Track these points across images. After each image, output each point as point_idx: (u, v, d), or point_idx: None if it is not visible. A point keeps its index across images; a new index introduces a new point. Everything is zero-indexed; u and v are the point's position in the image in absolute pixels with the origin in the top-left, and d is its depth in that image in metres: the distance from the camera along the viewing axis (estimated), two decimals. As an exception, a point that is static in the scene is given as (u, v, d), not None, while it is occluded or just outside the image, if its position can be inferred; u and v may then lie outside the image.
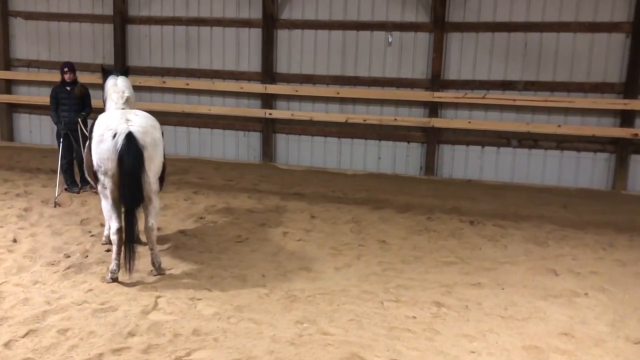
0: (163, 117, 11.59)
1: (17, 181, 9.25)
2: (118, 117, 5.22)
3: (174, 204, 8.26)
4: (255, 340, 4.23)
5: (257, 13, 11.15)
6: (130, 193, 5.04)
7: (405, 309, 4.92)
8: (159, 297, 4.95)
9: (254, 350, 4.10)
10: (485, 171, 10.58)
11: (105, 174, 5.11)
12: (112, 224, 5.19)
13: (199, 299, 4.95)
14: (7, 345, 4.00)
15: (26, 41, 12.40)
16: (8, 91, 12.54)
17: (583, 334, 4.58)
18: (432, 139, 10.70)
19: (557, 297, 5.32)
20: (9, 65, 12.49)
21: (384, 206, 8.55)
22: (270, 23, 11.04)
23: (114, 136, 5.04)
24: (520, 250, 6.71)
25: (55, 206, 7.81)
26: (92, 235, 6.65)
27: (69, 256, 5.94)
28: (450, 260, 6.28)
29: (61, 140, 8.34)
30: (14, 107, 12.62)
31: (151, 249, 5.44)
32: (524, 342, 4.40)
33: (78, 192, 8.52)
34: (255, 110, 11.33)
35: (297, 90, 11.03)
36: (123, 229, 5.14)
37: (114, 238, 5.17)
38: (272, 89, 11.15)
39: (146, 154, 5.13)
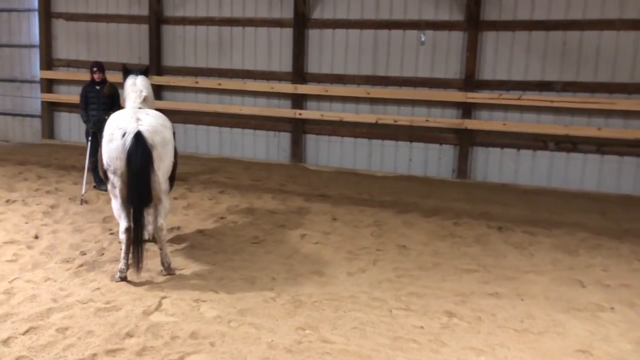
0: (196, 117, 11.83)
1: (50, 178, 9.48)
2: (128, 116, 5.22)
3: (198, 203, 8.27)
4: (251, 346, 4.13)
5: (288, 13, 11.09)
6: (138, 192, 5.03)
7: (414, 318, 4.73)
8: (164, 297, 4.92)
9: (248, 356, 4.00)
10: (520, 175, 10.19)
11: (114, 173, 5.12)
12: (121, 223, 5.20)
13: (204, 301, 4.89)
14: (5, 342, 4.03)
15: (67, 42, 12.73)
16: (49, 90, 12.91)
17: (603, 351, 4.28)
18: (465, 141, 10.38)
19: (580, 310, 5.01)
20: (50, 65, 12.85)
21: (410, 210, 8.32)
22: (301, 23, 10.96)
23: (123, 135, 5.04)
24: (548, 259, 6.38)
25: (81, 203, 7.94)
26: (112, 233, 6.71)
27: (84, 254, 6.01)
28: (471, 268, 6.03)
29: (89, 138, 8.47)
30: (54, 106, 12.98)
31: (161, 249, 5.42)
32: (535, 358, 4.14)
33: (106, 190, 8.62)
34: (285, 110, 11.27)
35: (327, 91, 10.91)
36: (132, 228, 5.12)
37: (122, 237, 5.18)
38: (303, 89, 11.07)
39: (155, 154, 5.11)
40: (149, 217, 5.89)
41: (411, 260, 6.22)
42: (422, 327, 4.56)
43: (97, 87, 8.52)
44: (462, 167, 10.44)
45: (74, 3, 12.55)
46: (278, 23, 11.19)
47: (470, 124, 10.20)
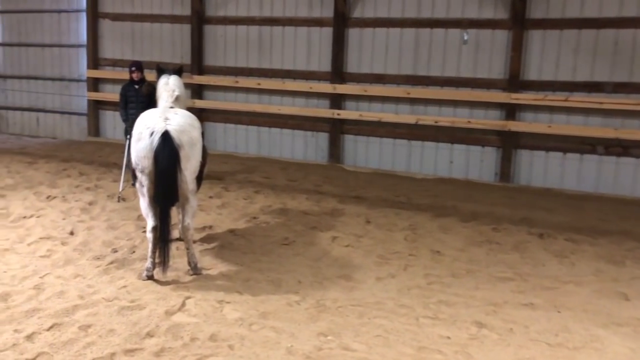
0: (236, 117, 11.87)
1: (92, 175, 9.69)
2: (157, 116, 5.23)
3: (232, 202, 8.27)
4: (270, 351, 4.05)
5: (328, 12, 10.99)
6: (164, 191, 5.03)
7: (441, 328, 4.54)
8: (188, 297, 4.89)
9: (265, 361, 3.92)
10: (566, 180, 9.77)
11: (142, 171, 5.14)
12: (148, 222, 5.21)
13: (228, 302, 4.84)
14: (29, 337, 4.08)
15: (112, 41, 13.01)
16: (95, 89, 13.22)
17: (644, 371, 4.00)
18: (509, 144, 10.03)
19: (621, 325, 4.71)
20: (97, 64, 13.15)
21: (448, 214, 8.09)
22: (341, 22, 10.84)
23: (151, 134, 5.05)
24: (590, 269, 6.05)
25: (118, 201, 8.06)
26: (144, 231, 6.72)
27: (116, 251, 6.07)
28: (506, 276, 5.78)
29: (128, 137, 8.58)
30: (100, 104, 13.28)
31: (187, 249, 5.41)
32: (568, 376, 3.90)
33: (143, 188, 8.74)
34: (323, 110, 11.18)
35: (366, 91, 10.75)
36: (159, 227, 5.12)
37: (149, 236, 5.19)
38: (341, 88, 10.95)
39: (182, 153, 5.10)
40: (180, 216, 5.89)
41: (444, 267, 6.01)
42: (448, 338, 4.37)
43: (136, 87, 8.62)
44: (505, 170, 10.10)
45: (120, 3, 12.81)
46: (318, 22, 11.11)
47: (514, 125, 9.86)
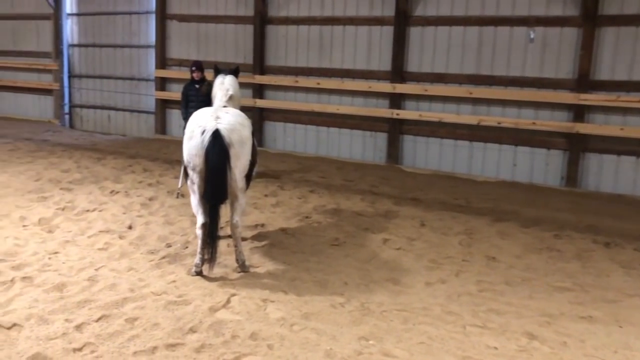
0: (295, 116, 11.93)
1: (155, 171, 9.99)
2: (209, 115, 5.31)
3: (286, 201, 8.31)
4: (309, 353, 4.01)
5: (390, 11, 10.85)
6: (214, 189, 5.10)
7: (489, 337, 4.35)
8: (233, 295, 4.93)
9: (303, 363, 3.88)
10: (639, 186, 9.20)
11: (193, 169, 5.23)
12: (198, 219, 5.30)
13: (272, 301, 4.84)
14: (79, 327, 4.22)
15: (179, 42, 13.39)
16: (163, 88, 13.66)
17: None
18: (576, 147, 9.56)
19: (689, 345, 4.35)
20: (164, 64, 13.58)
21: (508, 219, 7.79)
22: (402, 20, 10.67)
23: (202, 133, 5.13)
24: (659, 282, 5.65)
25: (177, 197, 8.25)
26: (198, 228, 6.88)
27: (170, 246, 6.21)
28: (565, 286, 5.48)
29: (188, 135, 8.79)
30: (167, 103, 13.71)
31: (235, 246, 5.46)
32: (624, 396, 3.64)
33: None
34: (382, 110, 11.04)
35: (426, 90, 10.54)
36: (208, 224, 5.20)
37: (198, 232, 5.27)
38: (401, 88, 10.78)
39: (232, 152, 5.15)
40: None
41: (498, 274, 5.78)
42: (495, 348, 4.18)
43: (197, 86, 8.81)
44: (572, 174, 9.63)
45: (187, 5, 13.16)
46: (379, 21, 10.99)
47: (582, 127, 9.38)
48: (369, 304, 4.89)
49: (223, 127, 5.15)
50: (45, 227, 6.65)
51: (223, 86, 6.25)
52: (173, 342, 4.07)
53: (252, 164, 5.55)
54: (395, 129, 11.01)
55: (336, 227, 7.14)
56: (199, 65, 8.83)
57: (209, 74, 9.27)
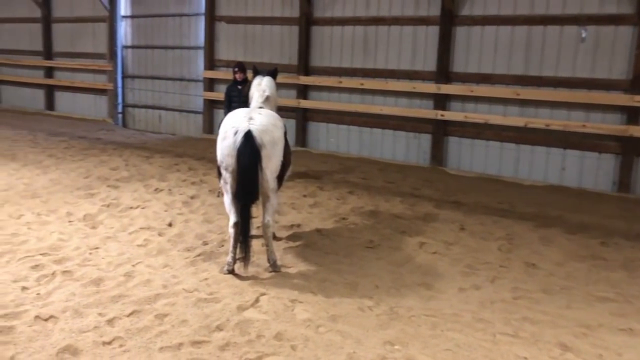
0: (338, 116, 11.93)
1: (199, 170, 10.20)
2: (242, 116, 5.37)
3: (324, 202, 8.31)
4: (332, 355, 3.99)
5: (435, 10, 10.69)
6: (245, 189, 5.15)
7: (519, 347, 4.22)
8: (262, 294, 4.97)
9: (325, 365, 3.87)
10: (698, 192, 8.74)
11: (226, 169, 5.30)
12: (230, 218, 5.37)
13: (300, 302, 4.85)
14: (110, 321, 4.35)
15: (227, 43, 13.61)
16: (211, 89, 13.93)
17: None
18: (630, 151, 9.16)
19: None
20: (212, 65, 13.84)
21: (552, 224, 7.54)
22: (448, 20, 10.49)
23: (235, 133, 5.19)
24: None
25: (218, 196, 8.39)
26: (235, 227, 6.97)
27: (206, 244, 6.32)
28: (606, 297, 5.26)
29: (230, 135, 8.92)
30: (214, 103, 13.96)
31: (267, 246, 5.50)
32: (660, 415, 3.46)
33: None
34: (426, 111, 10.89)
35: (472, 91, 10.32)
36: (240, 223, 5.26)
37: (230, 232, 5.34)
38: (446, 89, 10.60)
39: (264, 152, 5.19)
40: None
41: (536, 281, 5.59)
42: (525, 358, 4.05)
43: (239, 87, 8.93)
44: (625, 179, 9.23)
45: (235, 7, 13.37)
46: (424, 21, 10.84)
47: (636, 131, 8.98)
48: (398, 308, 4.82)
49: (255, 128, 5.20)
50: (90, 223, 6.89)
51: (260, 87, 6.32)
52: (199, 339, 4.14)
53: (285, 164, 5.57)
54: (440, 130, 10.84)
55: (372, 230, 7.09)
56: (241, 67, 8.95)
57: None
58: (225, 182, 5.37)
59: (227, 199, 5.42)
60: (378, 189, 9.27)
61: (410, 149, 11.33)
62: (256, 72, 6.64)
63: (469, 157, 10.68)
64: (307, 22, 12.18)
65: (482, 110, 10.41)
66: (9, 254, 5.65)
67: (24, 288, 4.86)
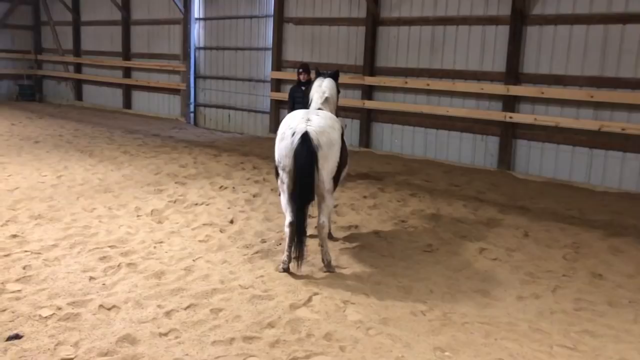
0: (403, 117, 11.84)
1: (263, 169, 10.39)
2: (299, 117, 5.44)
3: (385, 203, 8.27)
4: (380, 358, 3.97)
5: (505, 9, 10.39)
6: (301, 190, 5.22)
7: (577, 361, 4.05)
8: (315, 294, 5.01)
9: (372, 368, 3.86)
10: None
11: (283, 169, 5.39)
12: (286, 217, 5.45)
13: (352, 303, 4.86)
14: (168, 313, 4.53)
15: (294, 44, 13.80)
16: (278, 89, 14.16)
17: None
18: None
19: None
20: (280, 66, 14.08)
21: (625, 233, 7.17)
22: (519, 19, 10.18)
23: (293, 134, 5.27)
24: None
25: (279, 195, 8.52)
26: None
27: (264, 241, 6.45)
28: (679, 313, 4.95)
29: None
30: (281, 104, 14.18)
31: (321, 246, 5.55)
32: None
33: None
34: (494, 113, 10.60)
35: (543, 93, 9.96)
36: (295, 223, 5.33)
37: (286, 231, 5.42)
38: (515, 90, 10.28)
39: (320, 154, 5.24)
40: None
41: (602, 293, 5.34)
42: (583, 374, 3.89)
43: (303, 88, 9.03)
44: None
45: (303, 8, 13.53)
46: (493, 20, 10.57)
47: None
48: (452, 314, 4.74)
49: (312, 130, 5.25)
50: (156, 217, 7.19)
51: (320, 89, 6.38)
52: (250, 335, 4.23)
53: (341, 166, 5.59)
54: (508, 133, 10.53)
55: (431, 233, 6.99)
56: (305, 68, 9.05)
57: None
58: (282, 182, 5.46)
59: (284, 198, 5.51)
60: (441, 192, 9.12)
61: (477, 151, 11.07)
62: (317, 74, 6.71)
63: (539, 161, 10.31)
64: (373, 22, 12.15)
65: (553, 112, 10.02)
66: (80, 245, 5.99)
67: (91, 278, 5.14)
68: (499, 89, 10.49)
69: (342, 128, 5.76)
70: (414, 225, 7.32)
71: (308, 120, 5.37)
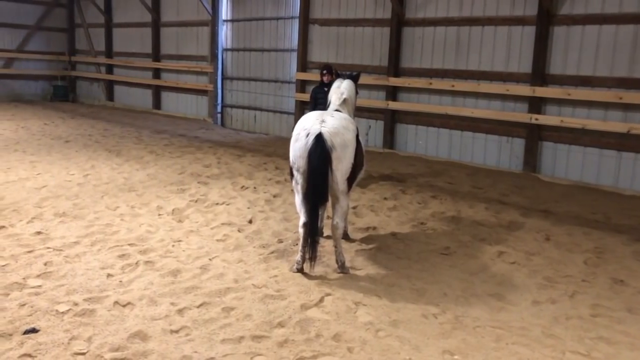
0: (427, 118, 11.77)
1: (285, 170, 10.42)
2: (314, 118, 5.47)
3: (405, 205, 8.23)
4: (387, 360, 3.98)
5: (532, 10, 10.23)
6: (314, 190, 5.24)
7: (590, 368, 3.98)
8: (327, 294, 5.03)
9: (378, 370, 3.86)
10: None
11: (297, 170, 5.42)
12: (300, 218, 5.48)
13: (364, 305, 4.86)
14: (181, 311, 4.60)
15: (319, 45, 13.84)
16: (302, 90, 14.22)
17: None
18: None
19: None
20: (305, 67, 14.13)
21: (651, 239, 6.99)
22: (545, 20, 10.01)
23: (307, 135, 5.30)
24: None
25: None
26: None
27: (281, 241, 6.49)
28: (702, 321, 4.80)
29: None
30: (306, 104, 14.17)
31: (335, 247, 5.56)
32: None
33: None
34: (519, 114, 10.45)
35: (569, 94, 9.77)
36: (309, 223, 5.35)
37: (300, 231, 5.44)
38: (541, 91, 10.11)
39: (334, 155, 5.26)
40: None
41: (621, 299, 5.22)
42: (594, 381, 3.81)
43: (326, 89, 9.02)
44: None
45: (328, 9, 13.55)
46: (520, 21, 10.42)
47: None
48: (464, 318, 4.70)
49: (326, 131, 5.27)
50: (177, 216, 7.30)
51: (339, 90, 6.40)
52: (259, 334, 4.27)
53: (356, 167, 5.59)
54: (534, 135, 10.37)
55: (450, 236, 6.93)
56: (329, 69, 9.05)
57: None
58: (297, 183, 5.50)
59: (298, 199, 5.54)
60: (463, 194, 9.03)
61: (502, 153, 10.92)
62: (337, 75, 6.73)
63: (565, 163, 10.12)
64: (398, 23, 12.10)
65: (580, 114, 9.83)
66: (101, 242, 6.13)
67: (109, 275, 5.25)
68: (524, 90, 10.33)
69: (357, 129, 5.76)
70: (432, 227, 7.27)
71: (322, 121, 5.40)
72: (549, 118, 10.13)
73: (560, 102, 10.03)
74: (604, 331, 4.56)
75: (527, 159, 10.51)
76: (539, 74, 10.14)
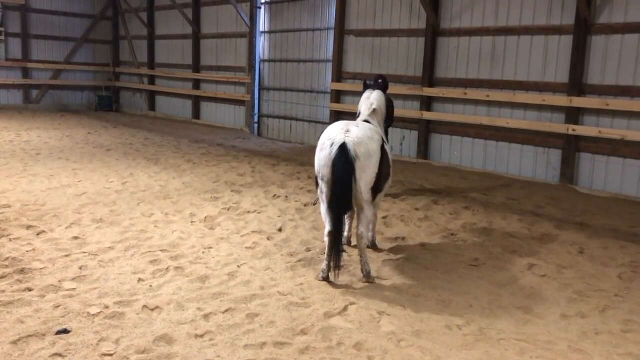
0: (462, 129, 11.70)
1: (318, 179, 10.52)
2: (339, 128, 5.53)
3: (436, 216, 8.19)
4: (406, 370, 3.98)
5: (569, 19, 10.07)
6: (338, 200, 5.29)
7: (616, 385, 3.88)
8: (352, 303, 5.05)
9: (397, 379, 3.86)
10: None
11: (322, 179, 5.49)
12: (326, 227, 5.53)
13: (388, 315, 4.86)
14: (207, 316, 4.70)
15: (354, 56, 13.92)
16: (338, 100, 14.32)
17: None
18: None
19: None
20: (340, 77, 14.23)
21: (692, 253, 6.75)
22: (583, 29, 9.83)
23: (332, 145, 5.36)
24: None
25: (314, 204, 8.53)
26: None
27: (309, 250, 6.55)
28: None
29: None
30: (340, 115, 14.30)
31: (360, 256, 5.58)
32: None
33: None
34: (556, 125, 10.27)
35: (608, 105, 9.56)
36: (334, 232, 5.40)
37: (325, 240, 5.49)
38: (579, 102, 9.91)
39: (358, 165, 5.30)
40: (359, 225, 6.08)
41: (656, 315, 5.07)
42: (620, 398, 3.72)
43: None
44: None
45: (364, 20, 13.63)
46: (557, 30, 10.26)
47: None
48: (488, 330, 4.65)
49: (350, 141, 5.32)
50: (209, 224, 7.45)
51: (368, 100, 6.45)
52: (282, 340, 4.33)
53: (381, 177, 5.62)
54: (571, 146, 10.16)
55: (480, 247, 6.86)
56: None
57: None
58: (322, 192, 5.56)
59: (323, 208, 5.60)
60: (497, 205, 8.92)
61: (539, 164, 10.74)
62: (366, 86, 6.79)
63: (603, 175, 9.88)
64: (433, 33, 12.08)
65: (619, 125, 9.59)
66: (135, 248, 6.32)
67: (140, 280, 5.41)
68: (561, 100, 10.15)
69: (384, 139, 5.79)
70: (463, 238, 7.21)
71: (347, 131, 5.45)
72: (586, 129, 9.92)
73: (598, 112, 9.82)
74: (634, 347, 4.44)
75: (564, 171, 10.30)
76: (576, 84, 9.96)
